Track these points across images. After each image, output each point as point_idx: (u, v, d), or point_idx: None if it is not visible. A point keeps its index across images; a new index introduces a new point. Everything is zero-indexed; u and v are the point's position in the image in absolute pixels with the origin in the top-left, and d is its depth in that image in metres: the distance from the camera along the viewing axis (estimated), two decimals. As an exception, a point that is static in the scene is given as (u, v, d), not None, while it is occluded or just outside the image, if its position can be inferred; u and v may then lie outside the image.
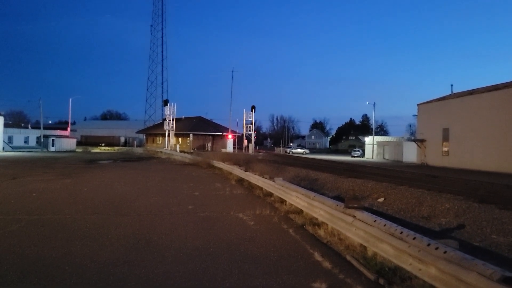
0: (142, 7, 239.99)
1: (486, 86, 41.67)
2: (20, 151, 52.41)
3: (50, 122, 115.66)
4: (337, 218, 8.39)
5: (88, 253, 7.16)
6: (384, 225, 6.51)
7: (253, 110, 58.74)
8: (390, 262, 6.18)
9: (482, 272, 4.22)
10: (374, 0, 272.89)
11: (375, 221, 6.86)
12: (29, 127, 78.39)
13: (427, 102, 50.13)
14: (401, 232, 6.00)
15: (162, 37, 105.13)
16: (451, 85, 49.96)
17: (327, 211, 8.99)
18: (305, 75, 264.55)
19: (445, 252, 4.92)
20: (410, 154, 52.14)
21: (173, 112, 60.88)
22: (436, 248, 5.08)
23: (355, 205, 7.78)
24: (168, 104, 62.73)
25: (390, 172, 28.11)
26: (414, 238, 5.63)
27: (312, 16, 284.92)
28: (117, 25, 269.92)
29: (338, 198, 12.81)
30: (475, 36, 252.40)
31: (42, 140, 62.71)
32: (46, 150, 59.00)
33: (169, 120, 60.38)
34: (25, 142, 64.96)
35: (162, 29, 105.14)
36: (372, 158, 65.45)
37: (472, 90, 44.39)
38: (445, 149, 43.96)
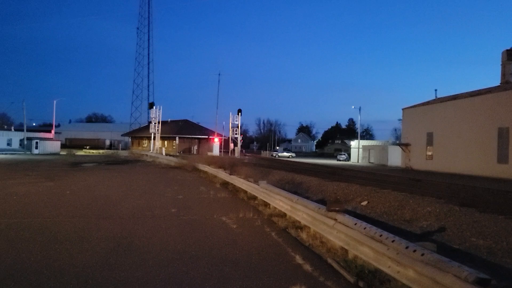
0: (129, 10, 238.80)
1: (469, 92, 42.34)
2: (2, 154, 51.45)
3: (34, 124, 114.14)
4: (319, 221, 8.43)
5: (68, 256, 7.06)
6: (365, 228, 6.56)
7: (239, 113, 58.60)
8: (370, 265, 6.23)
9: (457, 274, 4.29)
10: (359, 6, 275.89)
11: (355, 224, 6.90)
12: (12, 129, 76.91)
13: (412, 107, 50.70)
14: (381, 235, 6.05)
15: (148, 39, 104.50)
16: (435, 90, 51.17)
17: (310, 214, 9.02)
18: (292, 79, 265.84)
19: (422, 254, 4.98)
20: (395, 158, 52.59)
21: (159, 115, 60.52)
22: (414, 251, 5.14)
23: (337, 208, 7.82)
24: (154, 107, 62.39)
25: (374, 176, 28.34)
26: (393, 241, 5.68)
27: (299, 21, 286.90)
28: (103, 27, 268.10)
29: (322, 201, 12.87)
30: (460, 41, 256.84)
31: (26, 142, 61.79)
32: (29, 152, 58.11)
33: (155, 123, 60.01)
34: (8, 144, 63.71)
35: (148, 31, 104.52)
36: (358, 162, 65.94)
37: (455, 95, 45.10)
38: (429, 153, 44.49)
